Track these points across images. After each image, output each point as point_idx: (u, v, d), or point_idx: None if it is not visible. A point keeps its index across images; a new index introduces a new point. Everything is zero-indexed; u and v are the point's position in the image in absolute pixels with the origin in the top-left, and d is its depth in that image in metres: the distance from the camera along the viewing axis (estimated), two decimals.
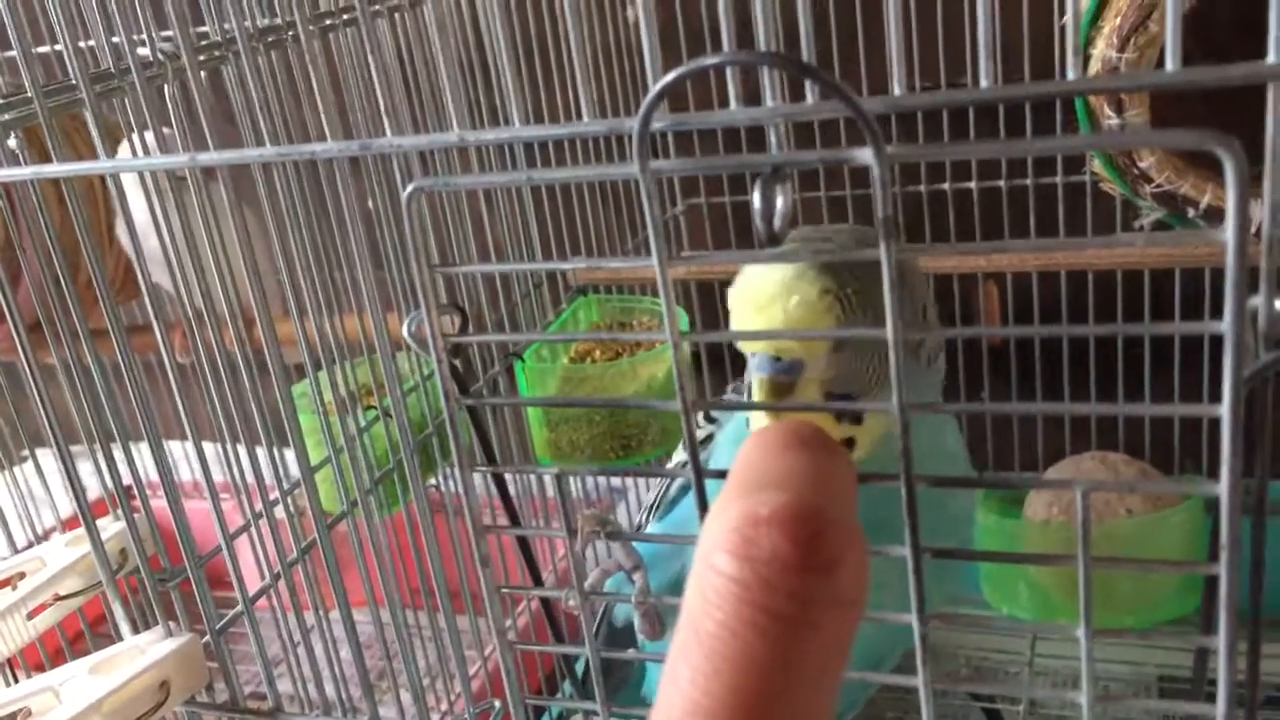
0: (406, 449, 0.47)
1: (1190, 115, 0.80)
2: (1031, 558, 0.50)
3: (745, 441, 0.30)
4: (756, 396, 0.48)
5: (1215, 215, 0.70)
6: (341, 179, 0.45)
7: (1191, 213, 0.70)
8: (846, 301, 0.46)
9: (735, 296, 0.48)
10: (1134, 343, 0.95)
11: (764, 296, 0.46)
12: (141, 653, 0.46)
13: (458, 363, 0.37)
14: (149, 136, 0.47)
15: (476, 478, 0.38)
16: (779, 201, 0.31)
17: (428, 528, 0.51)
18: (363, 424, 0.71)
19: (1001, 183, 0.94)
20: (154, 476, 0.55)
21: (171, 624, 0.47)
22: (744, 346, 0.48)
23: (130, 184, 0.54)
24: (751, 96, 0.32)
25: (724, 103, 0.32)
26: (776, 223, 0.32)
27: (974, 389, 1.03)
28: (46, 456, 0.92)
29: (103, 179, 0.84)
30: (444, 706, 0.87)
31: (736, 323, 0.48)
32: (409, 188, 0.34)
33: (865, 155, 0.30)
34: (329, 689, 0.61)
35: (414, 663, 0.55)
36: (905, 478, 0.32)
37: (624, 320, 0.90)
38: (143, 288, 0.48)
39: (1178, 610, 0.79)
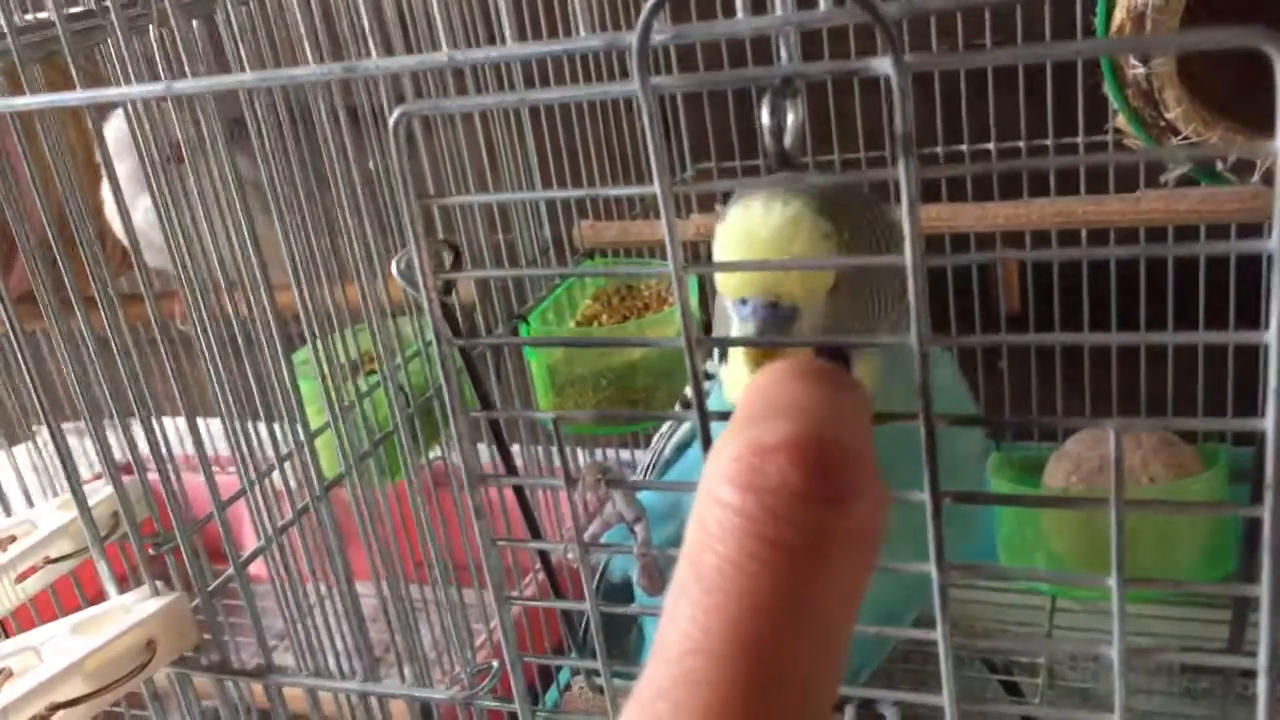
0: (395, 412, 0.46)
1: (1219, 68, 0.78)
2: (1054, 500, 0.47)
3: (753, 376, 0.28)
4: (743, 346, 0.45)
5: (1245, 168, 0.67)
6: (329, 112, 0.43)
7: (1220, 165, 0.68)
8: (845, 247, 0.43)
9: (727, 237, 0.44)
10: (1157, 311, 0.93)
11: (763, 238, 0.43)
12: (127, 612, 0.45)
13: (450, 301, 0.35)
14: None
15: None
16: (789, 117, 0.29)
17: (417, 491, 0.49)
18: (364, 389, 0.69)
19: (1021, 143, 0.92)
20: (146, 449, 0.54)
21: (159, 583, 0.46)
22: (731, 291, 0.45)
23: (119, 153, 0.53)
24: (757, 9, 0.30)
25: (729, 13, 0.30)
26: (787, 139, 0.30)
27: (992, 357, 1.01)
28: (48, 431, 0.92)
29: (89, 151, 0.82)
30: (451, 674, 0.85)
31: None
32: (396, 112, 0.32)
33: (884, 65, 0.27)
34: (330, 660, 0.59)
35: (414, 632, 0.53)
36: (925, 417, 0.30)
37: (632, 284, 0.88)
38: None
39: (1202, 579, 0.77)
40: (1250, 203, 0.66)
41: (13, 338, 0.47)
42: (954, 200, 0.88)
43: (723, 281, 0.45)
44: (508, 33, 0.33)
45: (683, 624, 0.22)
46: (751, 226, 0.44)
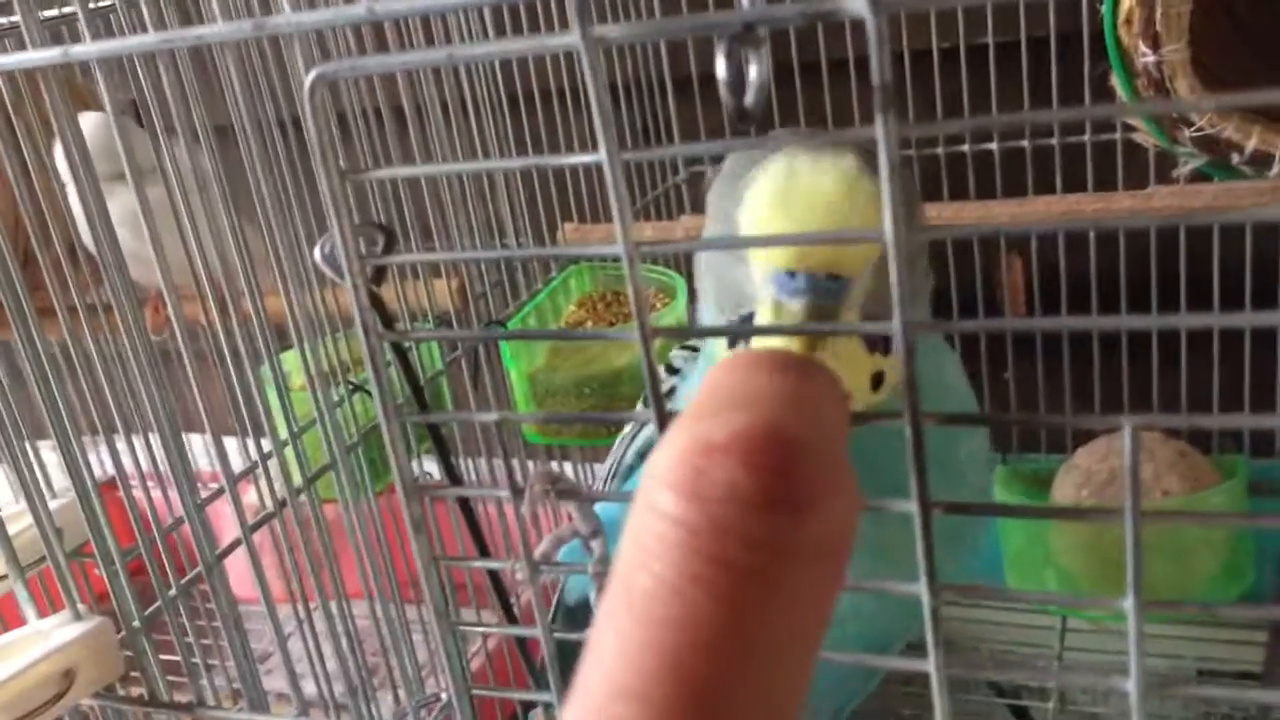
0: (330, 441, 0.42)
1: (1231, 58, 0.74)
2: (1065, 512, 0.43)
3: (712, 367, 0.25)
4: (781, 324, 0.39)
5: (1262, 160, 0.63)
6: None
7: (1236, 158, 0.64)
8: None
9: (770, 201, 0.39)
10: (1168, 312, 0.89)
11: (828, 199, 0.38)
12: (45, 638, 0.41)
13: (379, 290, 0.31)
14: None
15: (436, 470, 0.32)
16: (752, 70, 0.25)
17: (373, 510, 0.45)
18: (336, 399, 0.66)
19: (1026, 143, 0.88)
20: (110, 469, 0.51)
21: (83, 607, 0.42)
22: (780, 262, 0.39)
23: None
24: None
25: None
26: (749, 96, 0.26)
27: (998, 363, 0.97)
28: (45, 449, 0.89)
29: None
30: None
31: (767, 231, 0.40)
32: (312, 74, 0.28)
33: (858, 5, 0.24)
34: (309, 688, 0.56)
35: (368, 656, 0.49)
36: (911, 414, 0.26)
37: (619, 289, 0.84)
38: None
39: (1220, 597, 0.73)
40: (1269, 197, 0.62)
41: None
42: (956, 199, 0.85)
43: (768, 250, 0.40)
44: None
45: (610, 660, 0.18)
46: (807, 187, 0.38)
